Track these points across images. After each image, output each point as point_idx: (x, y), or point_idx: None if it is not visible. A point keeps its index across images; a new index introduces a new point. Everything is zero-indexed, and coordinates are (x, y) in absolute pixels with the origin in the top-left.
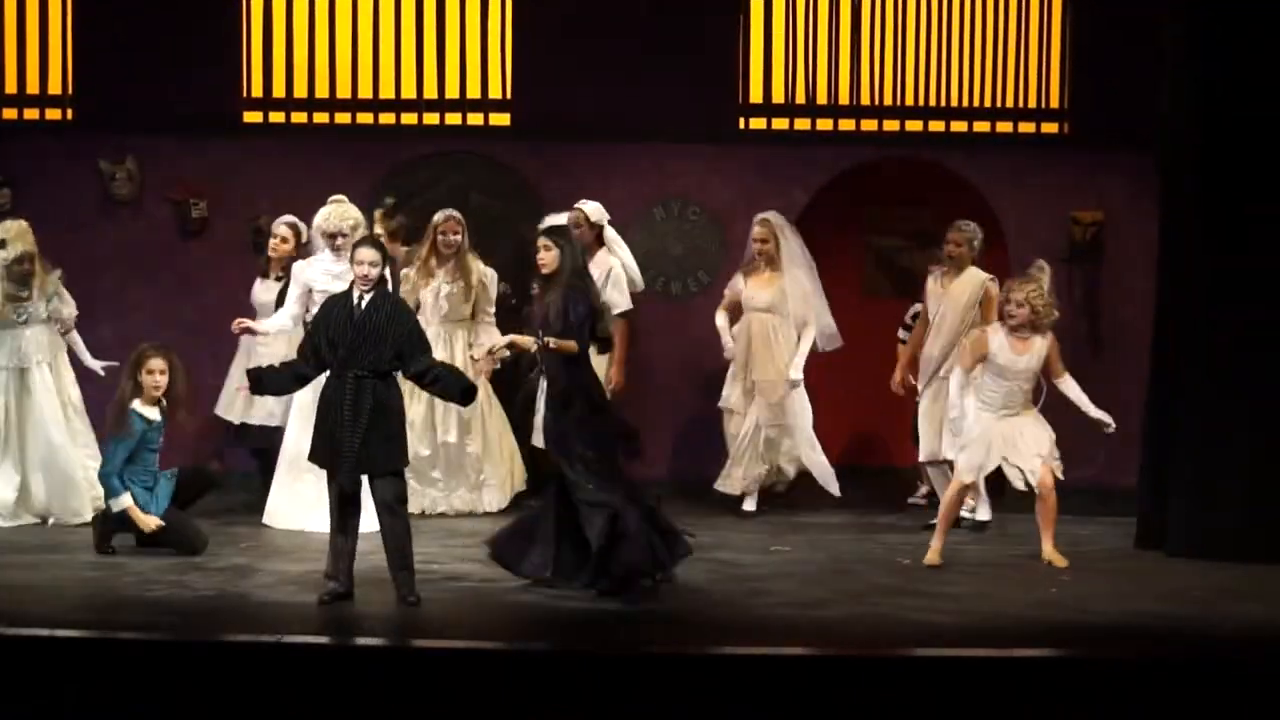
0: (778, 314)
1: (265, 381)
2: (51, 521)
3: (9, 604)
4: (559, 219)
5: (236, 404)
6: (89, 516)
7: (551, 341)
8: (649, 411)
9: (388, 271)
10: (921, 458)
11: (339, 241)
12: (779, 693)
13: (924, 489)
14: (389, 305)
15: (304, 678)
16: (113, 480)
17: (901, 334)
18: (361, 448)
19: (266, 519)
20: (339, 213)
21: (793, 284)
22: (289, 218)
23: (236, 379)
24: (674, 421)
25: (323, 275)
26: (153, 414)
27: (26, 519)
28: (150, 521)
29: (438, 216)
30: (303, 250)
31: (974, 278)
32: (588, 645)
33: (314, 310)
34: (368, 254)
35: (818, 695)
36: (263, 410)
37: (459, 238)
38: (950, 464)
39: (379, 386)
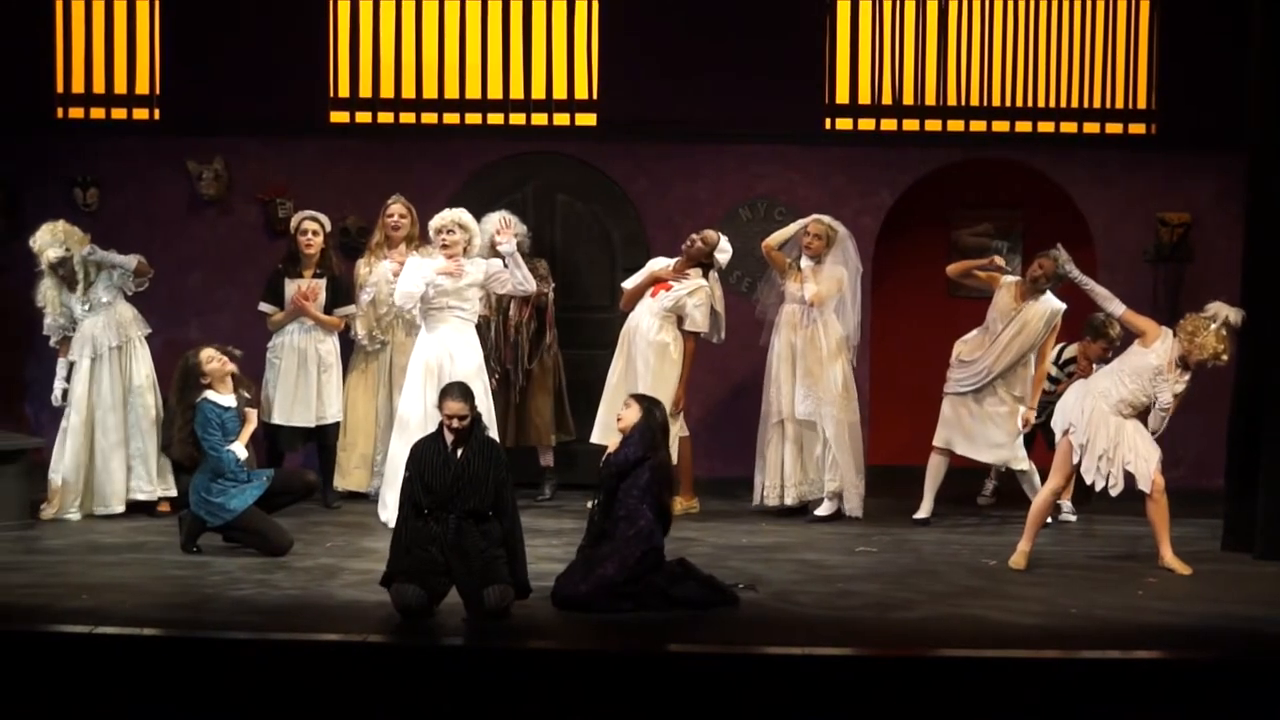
0: (825, 305)
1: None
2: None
3: (96, 602)
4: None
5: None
6: (119, 509)
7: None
8: (733, 410)
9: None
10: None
11: (443, 238)
12: (865, 693)
13: (991, 485)
14: (486, 449)
15: (387, 677)
16: (219, 453)
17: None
18: (464, 585)
19: (381, 510)
20: (444, 212)
21: (832, 277)
22: (311, 213)
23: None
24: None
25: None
26: (228, 400)
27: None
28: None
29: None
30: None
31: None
32: (672, 646)
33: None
34: (455, 407)
35: (903, 695)
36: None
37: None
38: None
39: (486, 528)
